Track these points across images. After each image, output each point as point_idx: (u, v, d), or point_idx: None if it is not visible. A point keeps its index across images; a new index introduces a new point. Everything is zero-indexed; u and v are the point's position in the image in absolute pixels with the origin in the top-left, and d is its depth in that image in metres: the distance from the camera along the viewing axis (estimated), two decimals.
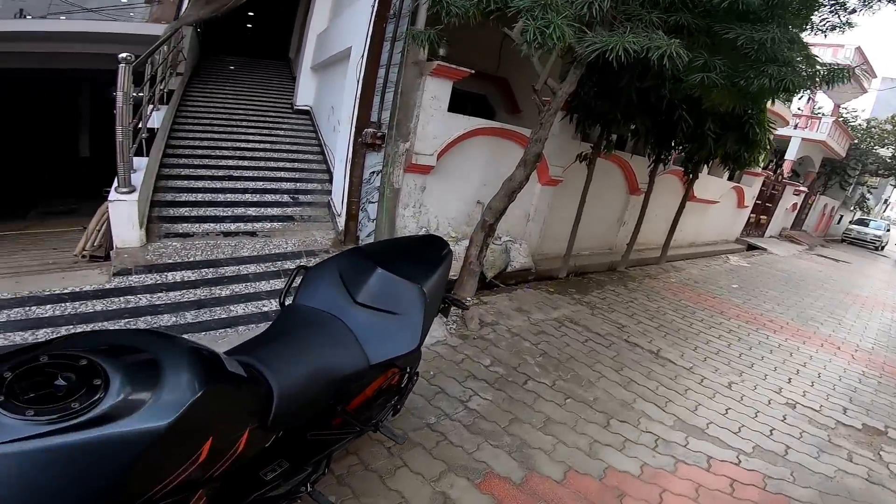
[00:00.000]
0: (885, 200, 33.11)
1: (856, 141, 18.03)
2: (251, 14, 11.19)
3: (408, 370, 1.76)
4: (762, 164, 9.35)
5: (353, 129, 3.81)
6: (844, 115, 18.61)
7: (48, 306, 2.61)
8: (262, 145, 5.17)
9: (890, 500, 2.28)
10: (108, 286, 2.88)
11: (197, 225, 3.72)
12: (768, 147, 5.75)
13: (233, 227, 3.83)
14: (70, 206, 6.58)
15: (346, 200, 3.96)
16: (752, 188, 10.47)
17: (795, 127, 14.20)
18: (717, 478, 2.23)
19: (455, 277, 3.97)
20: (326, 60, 5.78)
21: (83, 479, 0.70)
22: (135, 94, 3.30)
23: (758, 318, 5.08)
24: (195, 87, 6.42)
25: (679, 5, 2.92)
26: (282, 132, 5.71)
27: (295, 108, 6.66)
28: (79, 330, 2.50)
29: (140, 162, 3.58)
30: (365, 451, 1.95)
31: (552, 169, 4.77)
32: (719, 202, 8.95)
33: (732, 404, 2.98)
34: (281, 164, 4.91)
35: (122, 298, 2.80)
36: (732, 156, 5.37)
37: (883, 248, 18.97)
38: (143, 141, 3.77)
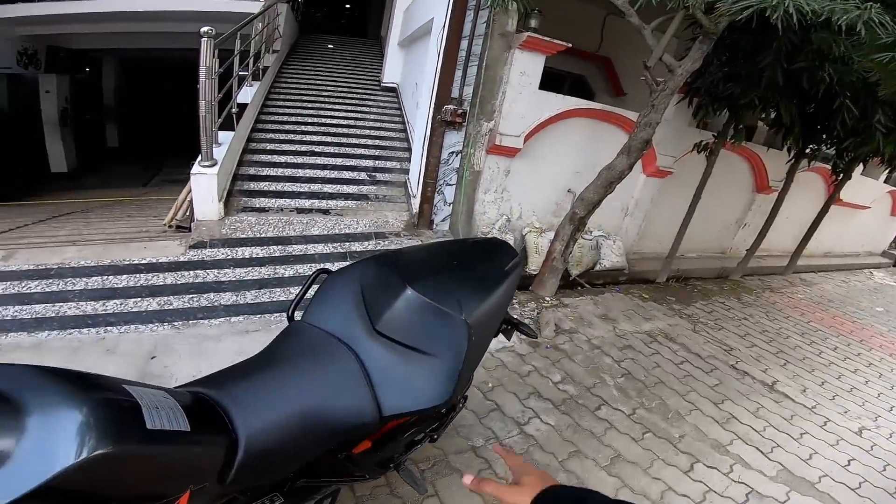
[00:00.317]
0: None
1: None
2: None
3: None
4: None
5: (433, 106, 3.52)
6: None
7: (124, 276, 2.64)
8: (346, 122, 5.11)
9: None
10: (182, 259, 2.88)
11: (273, 200, 3.67)
12: None
13: (307, 203, 3.75)
14: (188, 175, 7.16)
15: (422, 181, 3.70)
16: None
17: None
18: None
19: (535, 273, 3.59)
20: (411, 35, 5.57)
21: None
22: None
23: None
24: (290, 65, 6.59)
25: None
26: (367, 109, 5.63)
27: (382, 85, 6.59)
28: (146, 302, 2.51)
29: (226, 136, 3.61)
30: (391, 473, 1.68)
31: (661, 158, 4.13)
32: (870, 208, 7.45)
33: (859, 454, 2.38)
34: (362, 142, 4.80)
35: (191, 273, 2.78)
36: None
37: None
38: (234, 116, 3.81)
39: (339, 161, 4.36)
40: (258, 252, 3.10)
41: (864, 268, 7.80)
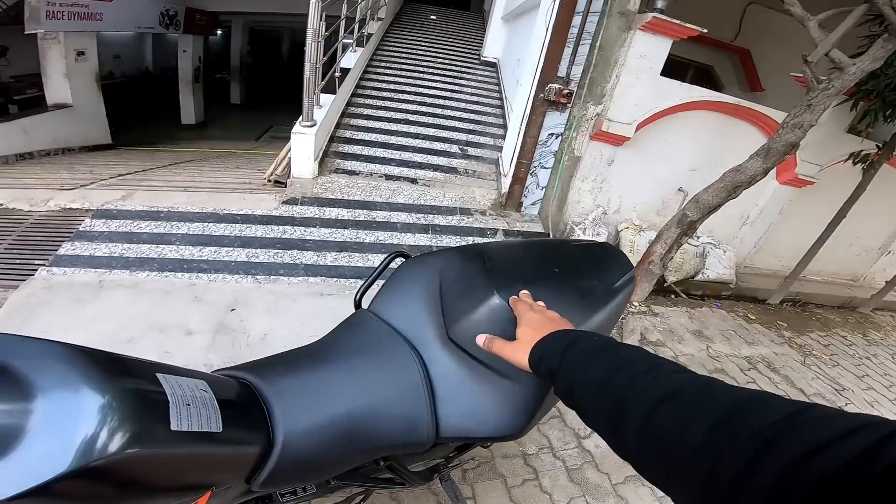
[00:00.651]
0: None
1: None
2: None
3: None
4: None
5: (536, 83, 3.27)
6: None
7: (221, 225, 2.78)
8: (443, 93, 5.04)
9: None
10: (274, 213, 2.99)
11: (364, 164, 3.70)
12: None
13: (396, 171, 3.73)
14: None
15: (515, 161, 3.49)
16: None
17: None
18: None
19: None
20: (517, 9, 5.29)
21: None
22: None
23: None
24: (393, 33, 6.65)
25: None
26: (465, 82, 5.51)
27: (482, 59, 6.44)
28: (236, 252, 2.62)
29: (327, 99, 3.68)
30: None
31: (802, 166, 3.52)
32: None
33: None
34: (457, 115, 4.69)
35: (279, 228, 2.86)
36: None
37: None
38: (336, 80, 3.87)
39: (431, 132, 4.30)
40: (344, 214, 3.14)
41: None
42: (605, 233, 3.42)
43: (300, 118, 3.31)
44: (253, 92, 13.13)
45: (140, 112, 9.67)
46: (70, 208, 2.80)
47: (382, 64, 5.44)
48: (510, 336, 0.79)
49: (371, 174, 3.62)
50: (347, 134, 3.99)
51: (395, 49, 6.03)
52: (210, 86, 11.02)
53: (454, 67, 5.90)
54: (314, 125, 3.31)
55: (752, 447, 0.37)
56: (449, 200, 3.54)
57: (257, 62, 13.80)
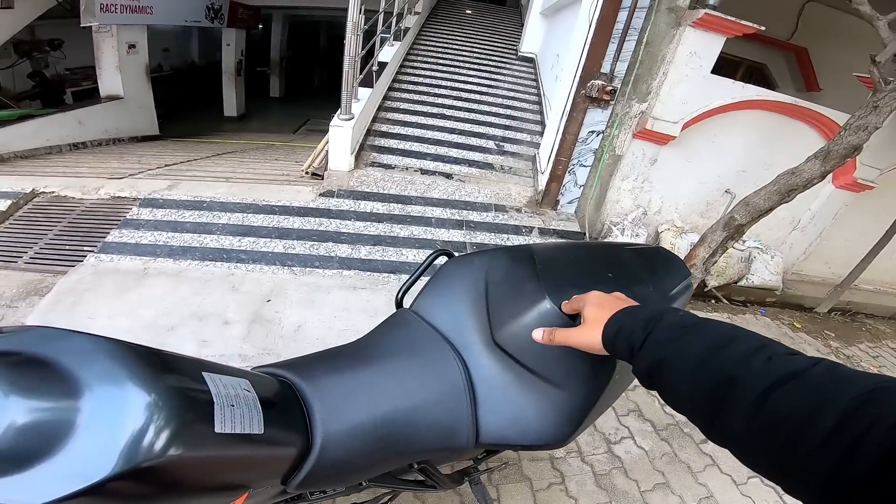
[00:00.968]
0: None
1: None
2: None
3: None
4: None
5: (578, 79, 3.18)
6: None
7: (260, 216, 2.83)
8: (479, 88, 5.00)
9: None
10: (311, 205, 3.02)
11: (400, 158, 3.71)
12: None
13: (432, 165, 3.71)
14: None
15: (553, 158, 3.42)
16: None
17: None
18: None
19: None
20: (556, 3, 5.18)
21: None
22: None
23: None
24: (430, 27, 6.66)
25: None
26: (501, 77, 5.46)
27: (519, 54, 6.37)
28: (273, 243, 2.66)
29: (365, 92, 3.70)
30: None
31: (861, 169, 3.31)
32: None
33: None
34: (494, 110, 4.64)
35: (316, 220, 2.90)
36: None
37: None
38: (374, 73, 3.88)
39: (467, 127, 4.26)
40: (379, 207, 3.15)
41: None
42: (645, 234, 3.30)
43: (338, 111, 3.33)
44: (291, 85, 13.38)
45: (185, 104, 10.02)
46: (119, 197, 2.91)
47: (419, 58, 5.45)
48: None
49: (406, 168, 3.62)
50: (384, 128, 4.01)
51: (431, 43, 6.02)
52: (251, 79, 11.29)
53: (491, 62, 5.84)
54: (352, 118, 3.33)
55: (892, 440, 0.33)
56: (484, 197, 3.50)
57: (296, 56, 14.06)
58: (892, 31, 2.33)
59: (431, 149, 3.88)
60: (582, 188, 3.49)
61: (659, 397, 1.92)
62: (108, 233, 2.56)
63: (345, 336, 2.12)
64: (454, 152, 3.90)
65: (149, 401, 0.48)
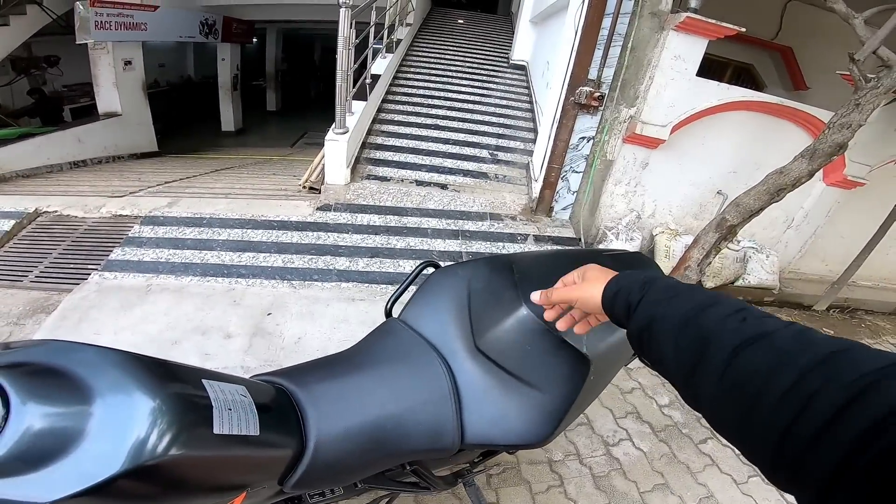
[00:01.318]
0: None
1: None
2: None
3: None
4: None
5: (566, 86, 3.23)
6: None
7: (259, 231, 2.88)
8: (472, 98, 5.05)
9: None
10: (308, 219, 3.07)
11: (395, 170, 3.75)
12: None
13: (427, 176, 3.76)
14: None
15: (545, 165, 3.46)
16: None
17: None
18: None
19: None
20: (545, 11, 5.24)
21: None
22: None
23: None
24: (422, 38, 6.72)
25: None
26: (494, 86, 5.51)
27: (511, 62, 6.42)
28: (273, 258, 2.70)
29: (359, 106, 3.74)
30: None
31: (851, 166, 3.35)
32: None
33: None
34: (487, 119, 4.69)
35: (314, 234, 2.94)
36: None
37: None
38: (367, 86, 3.94)
39: (461, 136, 4.31)
40: (375, 220, 3.19)
41: None
42: (640, 238, 3.35)
43: (333, 125, 3.38)
44: (287, 98, 13.49)
45: (183, 120, 10.10)
46: (120, 215, 2.96)
47: (412, 69, 5.51)
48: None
49: (402, 180, 3.67)
50: (379, 140, 4.06)
51: (423, 54, 6.09)
52: (247, 93, 11.39)
53: (483, 71, 5.90)
54: (346, 132, 3.38)
55: (843, 398, 0.35)
56: (479, 206, 3.54)
57: (291, 69, 14.18)
58: (868, 28, 2.36)
59: (426, 160, 3.93)
60: (575, 194, 3.53)
61: (657, 398, 1.96)
62: (111, 251, 2.61)
63: (344, 346, 2.12)
64: (449, 163, 3.95)
65: (153, 406, 0.53)
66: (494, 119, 4.72)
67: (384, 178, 3.65)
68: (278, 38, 12.55)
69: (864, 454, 0.32)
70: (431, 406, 0.86)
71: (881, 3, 2.39)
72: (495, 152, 4.22)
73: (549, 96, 3.60)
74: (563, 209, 3.60)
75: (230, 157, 7.11)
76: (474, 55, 6.46)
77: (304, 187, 3.78)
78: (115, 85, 6.41)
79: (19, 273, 2.46)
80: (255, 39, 11.28)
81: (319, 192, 3.48)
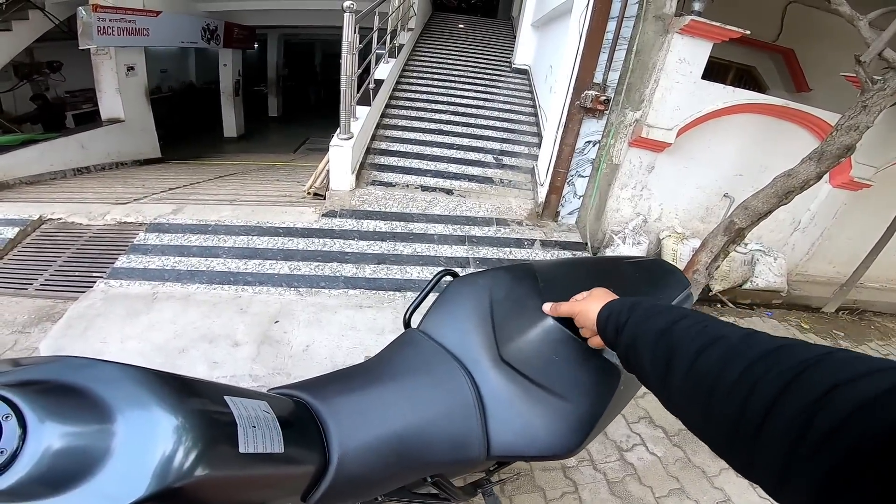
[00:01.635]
0: None
1: None
2: None
3: None
4: None
5: (571, 90, 3.23)
6: None
7: (264, 238, 2.87)
8: (476, 102, 5.04)
9: None
10: (314, 226, 3.06)
11: (400, 175, 3.74)
12: None
13: (432, 182, 3.75)
14: (329, 146, 7.91)
15: (551, 170, 3.45)
16: None
17: None
18: None
19: None
20: (547, 15, 5.23)
21: None
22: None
23: None
24: (424, 43, 6.72)
25: None
26: (497, 90, 5.50)
27: (513, 66, 6.41)
28: (279, 265, 2.69)
29: (363, 111, 3.74)
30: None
31: (857, 168, 3.34)
32: None
33: None
34: (491, 123, 4.68)
35: (320, 240, 2.92)
36: None
37: None
38: (371, 91, 3.93)
39: (465, 141, 4.30)
40: (381, 226, 3.18)
41: None
42: (646, 241, 3.33)
43: (338, 131, 3.37)
44: (289, 104, 13.52)
45: (186, 126, 10.12)
46: (125, 222, 2.95)
47: (414, 74, 5.50)
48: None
49: (407, 185, 3.66)
50: (383, 145, 4.05)
51: (426, 58, 6.09)
52: (249, 99, 11.41)
53: (485, 75, 5.90)
54: (351, 137, 3.37)
55: (782, 381, 0.39)
56: (485, 211, 3.53)
57: (293, 74, 14.22)
58: (873, 30, 2.35)
59: (431, 165, 3.92)
60: (581, 198, 3.52)
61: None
62: (117, 258, 2.60)
63: (353, 354, 2.14)
64: (454, 168, 3.94)
65: (176, 424, 0.51)
66: (498, 123, 4.71)
67: (389, 184, 3.63)
68: (279, 44, 12.60)
69: (809, 431, 0.34)
70: (456, 417, 0.84)
71: (885, 5, 2.38)
72: (500, 157, 4.21)
73: (554, 100, 3.60)
74: (570, 214, 3.59)
75: (233, 164, 7.11)
76: (476, 59, 6.46)
77: (309, 193, 3.77)
78: (118, 91, 6.42)
79: (24, 281, 2.45)
80: (256, 45, 11.32)
81: (324, 199, 3.47)
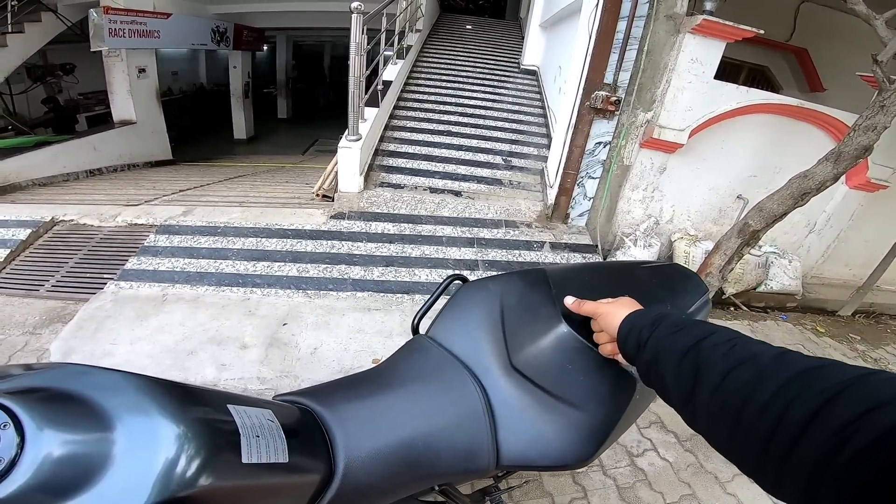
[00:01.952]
0: None
1: None
2: None
3: None
4: None
5: (581, 91, 3.19)
6: None
7: (273, 240, 2.86)
8: (484, 103, 5.02)
9: None
10: (322, 228, 3.05)
11: (409, 177, 3.72)
12: None
13: (440, 183, 3.73)
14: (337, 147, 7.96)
15: (560, 171, 3.42)
16: None
17: None
18: None
19: None
20: (555, 15, 5.20)
21: None
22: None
23: None
24: (431, 44, 6.73)
25: None
26: (505, 91, 5.48)
27: (521, 67, 6.39)
28: (287, 267, 2.69)
29: (371, 112, 3.73)
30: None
31: (874, 169, 3.28)
32: None
33: None
34: (500, 124, 4.65)
35: (328, 243, 2.92)
36: None
37: None
38: (379, 93, 3.93)
39: (474, 143, 4.28)
40: (390, 228, 3.16)
41: None
42: (658, 244, 3.29)
43: (346, 132, 3.36)
44: (298, 106, 13.60)
45: (196, 128, 10.22)
46: (136, 224, 2.97)
47: (422, 75, 5.50)
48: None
49: (416, 187, 3.64)
50: (391, 147, 4.04)
51: (434, 60, 6.08)
52: (258, 101, 11.50)
53: (494, 76, 5.88)
54: (359, 139, 3.36)
55: (815, 403, 0.38)
56: (494, 213, 3.50)
57: (301, 76, 14.31)
58: (890, 29, 2.32)
59: (439, 166, 3.90)
60: (592, 200, 3.48)
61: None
62: (127, 260, 2.61)
63: (361, 357, 2.13)
64: (462, 169, 3.91)
65: (178, 433, 0.50)
66: (507, 125, 4.68)
67: (398, 186, 3.62)
68: (288, 46, 12.68)
69: (841, 452, 0.34)
70: (465, 426, 0.82)
71: None
72: (509, 158, 4.18)
73: (564, 101, 3.56)
74: (580, 216, 3.55)
75: (243, 165, 7.15)
76: (484, 60, 6.45)
77: (318, 195, 3.77)
78: (130, 93, 6.49)
79: (36, 282, 2.47)
80: (265, 47, 11.40)
81: (333, 200, 3.47)
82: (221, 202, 3.66)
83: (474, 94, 5.19)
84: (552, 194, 3.55)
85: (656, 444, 1.97)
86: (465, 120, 4.61)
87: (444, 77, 5.54)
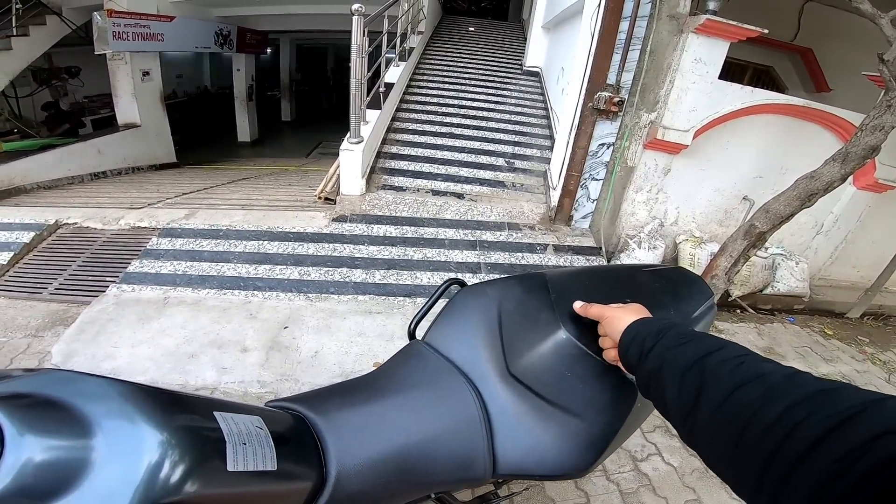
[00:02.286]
0: None
1: None
2: None
3: None
4: None
5: (584, 92, 3.17)
6: None
7: (275, 243, 2.86)
8: (487, 105, 5.01)
9: None
10: (324, 231, 3.04)
11: (411, 180, 3.71)
12: None
13: (443, 186, 3.71)
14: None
15: (564, 173, 3.40)
16: None
17: None
18: None
19: None
20: (558, 16, 5.19)
21: None
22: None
23: None
24: (434, 46, 6.73)
25: None
26: (508, 93, 5.46)
27: (524, 69, 6.37)
28: (289, 270, 2.68)
29: (373, 115, 3.72)
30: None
31: (882, 169, 3.24)
32: None
33: None
34: (502, 126, 4.64)
35: (330, 245, 2.91)
36: None
37: None
38: (381, 95, 3.92)
39: (476, 145, 4.27)
40: (392, 231, 3.15)
41: None
42: (662, 246, 3.26)
43: (348, 135, 3.36)
44: (302, 109, 13.65)
45: (200, 131, 10.26)
46: (139, 227, 2.97)
47: (425, 77, 5.49)
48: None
49: (418, 190, 3.63)
50: (394, 149, 4.03)
51: (436, 62, 6.08)
52: (262, 104, 11.54)
53: (496, 78, 5.86)
54: (361, 141, 3.36)
55: (826, 425, 0.37)
56: (496, 215, 3.49)
57: (305, 79, 14.36)
58: (895, 28, 2.29)
59: (442, 169, 3.89)
60: (595, 202, 3.46)
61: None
62: (129, 263, 2.61)
63: (362, 360, 2.11)
64: (464, 171, 3.90)
65: (161, 440, 0.49)
66: (510, 126, 4.67)
67: (400, 188, 3.61)
68: (292, 49, 12.73)
69: (843, 477, 0.33)
70: (460, 433, 0.81)
71: None
72: (512, 160, 4.16)
73: (566, 102, 3.54)
74: (583, 218, 3.53)
75: (246, 168, 7.17)
76: (487, 62, 6.44)
77: (320, 198, 3.76)
78: (134, 96, 6.52)
79: (39, 285, 2.48)
80: (269, 50, 11.43)
81: (335, 203, 3.46)
82: (224, 205, 3.67)
83: (477, 96, 5.18)
84: (555, 196, 3.53)
85: (661, 448, 1.95)
86: (468, 122, 4.60)
87: (446, 79, 5.53)
